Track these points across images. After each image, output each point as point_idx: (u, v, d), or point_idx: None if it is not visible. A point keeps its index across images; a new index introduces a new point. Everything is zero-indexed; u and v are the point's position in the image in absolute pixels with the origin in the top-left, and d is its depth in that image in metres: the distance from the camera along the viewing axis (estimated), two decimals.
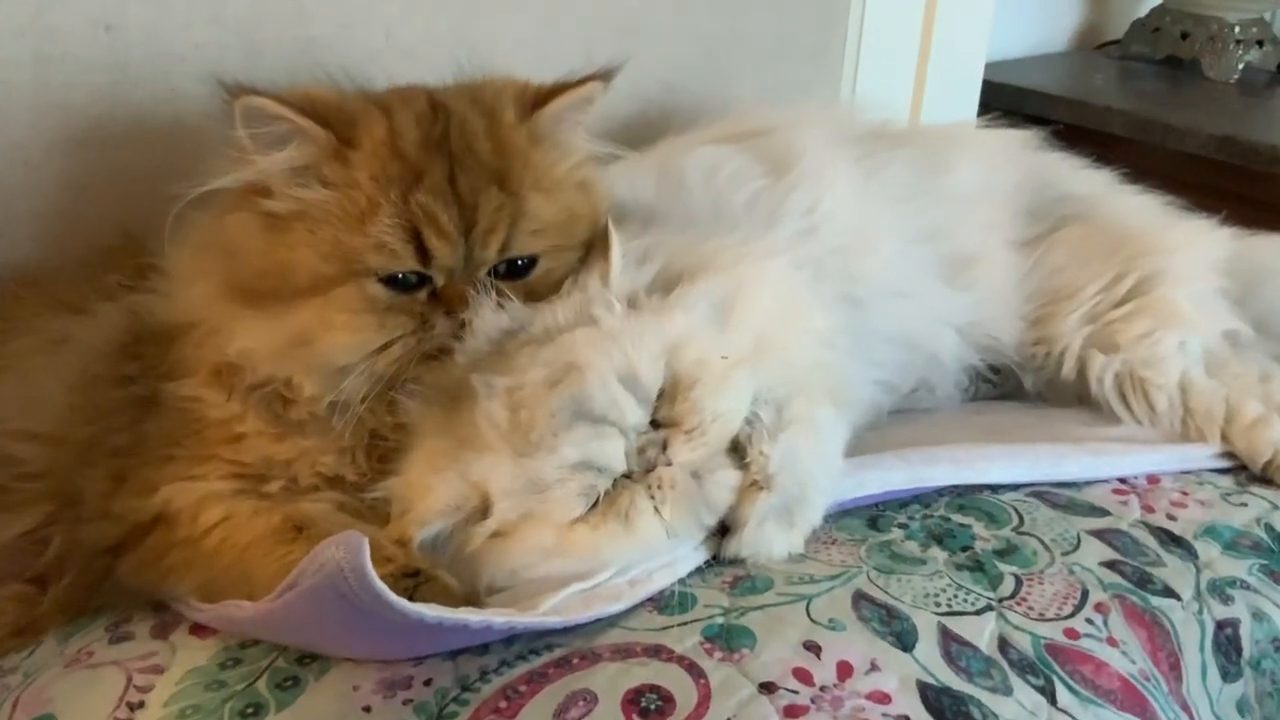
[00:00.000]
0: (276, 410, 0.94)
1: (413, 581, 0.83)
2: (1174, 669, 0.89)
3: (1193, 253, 1.24)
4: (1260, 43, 2.37)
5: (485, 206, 0.91)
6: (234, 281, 0.92)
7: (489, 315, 0.92)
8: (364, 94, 0.97)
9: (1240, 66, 2.35)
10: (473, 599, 0.86)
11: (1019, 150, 1.36)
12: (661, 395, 0.88)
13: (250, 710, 0.78)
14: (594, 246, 0.98)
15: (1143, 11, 2.51)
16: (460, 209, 0.91)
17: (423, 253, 0.90)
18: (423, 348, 0.92)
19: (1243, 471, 1.12)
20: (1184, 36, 2.41)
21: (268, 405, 0.94)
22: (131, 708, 0.81)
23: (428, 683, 0.79)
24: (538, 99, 0.97)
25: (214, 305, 0.93)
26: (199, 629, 0.88)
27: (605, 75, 0.98)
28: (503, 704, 0.76)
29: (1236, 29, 2.35)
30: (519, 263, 0.95)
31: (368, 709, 0.77)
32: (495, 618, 0.79)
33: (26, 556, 0.95)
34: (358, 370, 0.91)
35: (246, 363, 0.93)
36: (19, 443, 0.95)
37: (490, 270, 0.94)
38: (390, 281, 0.91)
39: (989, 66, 2.11)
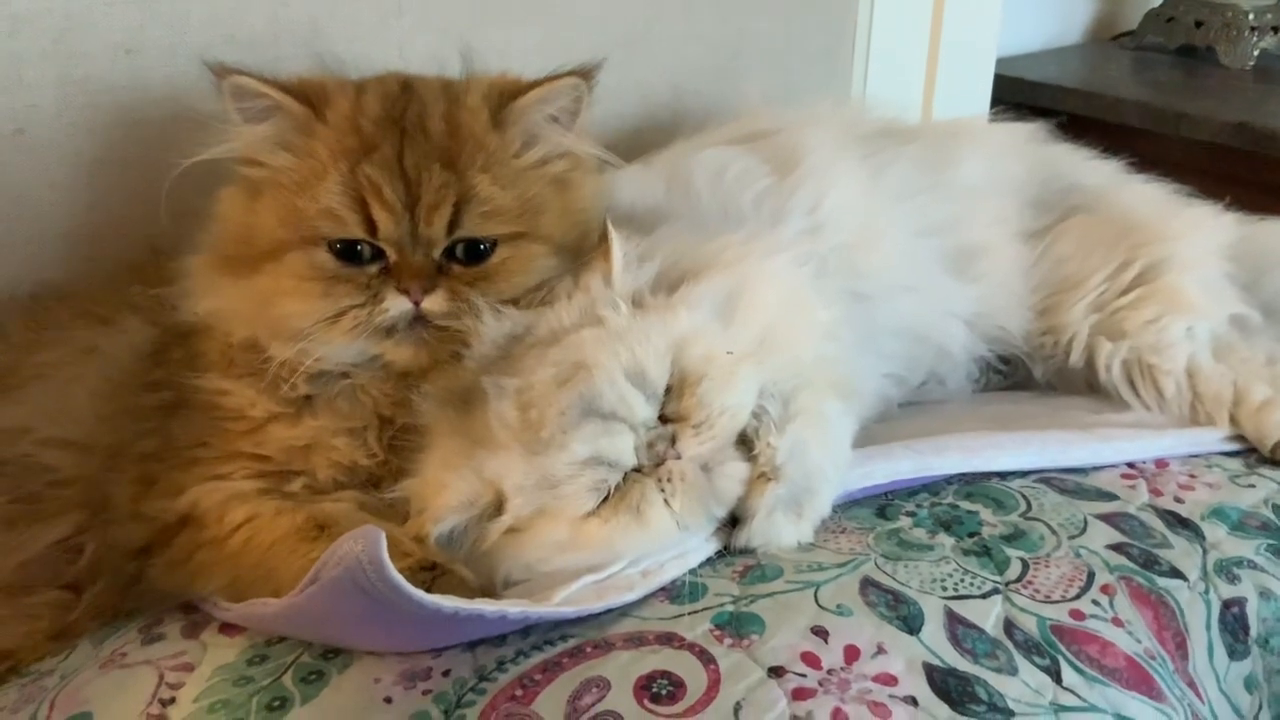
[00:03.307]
0: (281, 388, 0.97)
1: (430, 575, 0.86)
2: (1180, 647, 0.91)
3: (1198, 238, 1.25)
4: (1275, 29, 2.36)
5: (428, 183, 0.94)
6: (218, 250, 0.99)
7: (491, 322, 0.94)
8: (352, 78, 1.03)
9: (1255, 53, 2.34)
10: (489, 593, 0.88)
11: (1026, 143, 1.37)
12: (669, 391, 0.90)
13: (277, 704, 0.81)
14: (593, 248, 0.99)
15: (1156, 1, 2.50)
16: (405, 184, 0.94)
17: (370, 224, 0.94)
18: (375, 322, 0.95)
19: (1252, 454, 1.13)
20: (1198, 25, 2.41)
21: (274, 385, 0.97)
22: (164, 704, 0.83)
23: (446, 673, 0.81)
24: (513, 90, 1.00)
25: (200, 274, 1.00)
26: (228, 628, 0.90)
27: (584, 72, 1.01)
28: (519, 692, 0.79)
29: (1251, 15, 2.34)
30: (479, 247, 0.97)
31: (389, 700, 0.80)
32: (510, 608, 0.81)
33: (61, 564, 0.98)
34: (314, 337, 0.95)
35: (216, 322, 0.99)
36: (50, 450, 0.98)
37: (446, 252, 0.96)
38: (342, 254, 0.95)
39: (1003, 61, 2.12)
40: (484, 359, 0.93)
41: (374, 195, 0.93)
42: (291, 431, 0.97)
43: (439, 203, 0.94)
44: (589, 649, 0.82)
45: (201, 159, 0.99)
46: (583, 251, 1.01)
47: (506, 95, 1.00)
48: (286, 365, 0.96)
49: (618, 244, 0.96)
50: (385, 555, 0.75)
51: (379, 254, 0.96)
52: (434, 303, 0.95)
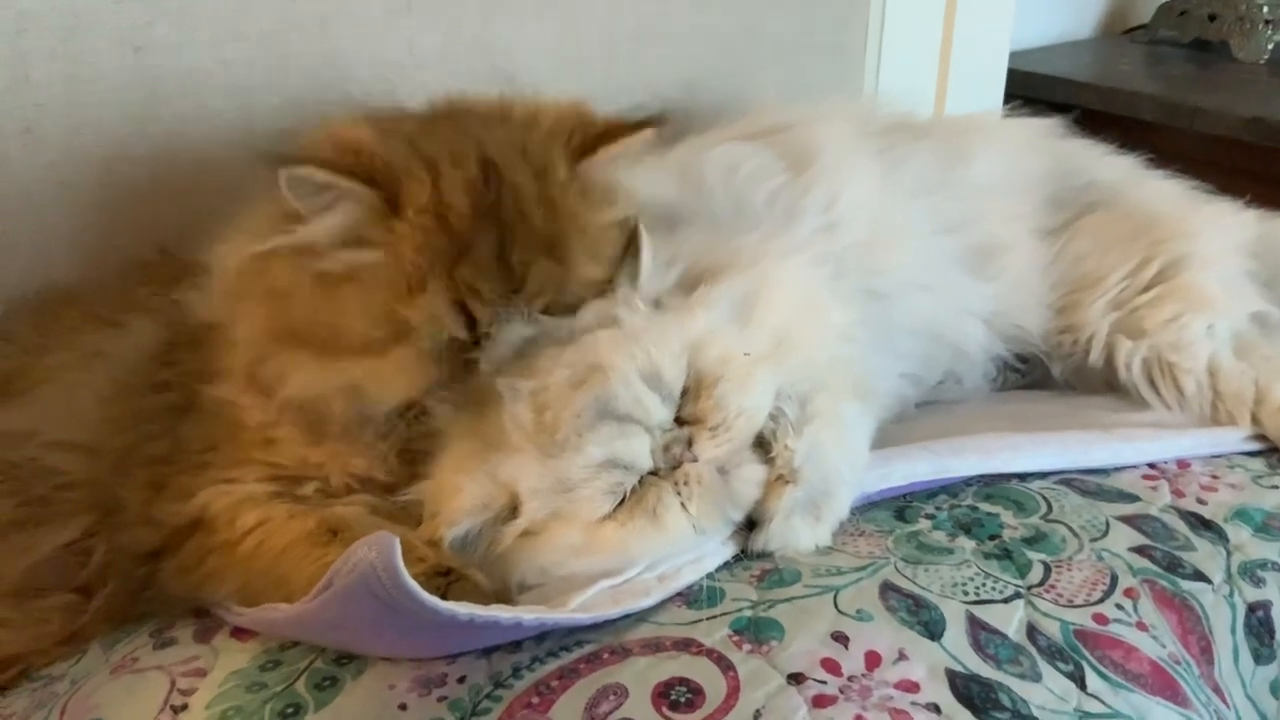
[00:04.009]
0: (310, 421, 0.95)
1: (445, 580, 0.85)
2: (1205, 652, 0.89)
3: (1219, 235, 1.23)
4: None
5: (534, 277, 0.91)
6: (282, 323, 0.92)
7: (516, 327, 0.93)
8: (409, 139, 0.92)
9: (1270, 47, 2.32)
10: (504, 597, 0.87)
11: (1042, 139, 1.36)
12: (685, 393, 0.89)
13: (290, 710, 0.80)
14: (625, 248, 0.98)
15: None
16: (507, 278, 0.90)
17: (470, 320, 0.90)
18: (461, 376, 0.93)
19: (1274, 454, 1.11)
20: (1212, 19, 2.39)
21: (302, 415, 0.95)
22: (175, 710, 0.82)
23: (462, 680, 0.80)
24: (585, 146, 0.95)
25: (263, 342, 0.93)
26: (240, 633, 0.90)
27: (659, 121, 0.96)
28: (535, 699, 0.78)
29: (1265, 9, 2.33)
30: None
31: (404, 707, 0.79)
32: (526, 615, 0.80)
33: (70, 567, 0.97)
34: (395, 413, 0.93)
35: (295, 399, 0.93)
36: (57, 454, 0.97)
37: None
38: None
39: (1016, 56, 2.11)
40: (500, 359, 0.91)
41: (473, 297, 0.89)
42: (309, 450, 0.95)
43: (542, 291, 0.92)
44: (606, 655, 0.81)
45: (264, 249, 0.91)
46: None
47: (586, 148, 0.95)
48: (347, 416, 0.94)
49: (648, 248, 0.95)
50: (399, 561, 0.74)
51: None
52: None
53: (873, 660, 0.80)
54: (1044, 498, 1.01)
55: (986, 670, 0.80)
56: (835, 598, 0.86)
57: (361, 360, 0.90)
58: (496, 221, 0.90)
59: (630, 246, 0.96)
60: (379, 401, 0.92)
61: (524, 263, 0.90)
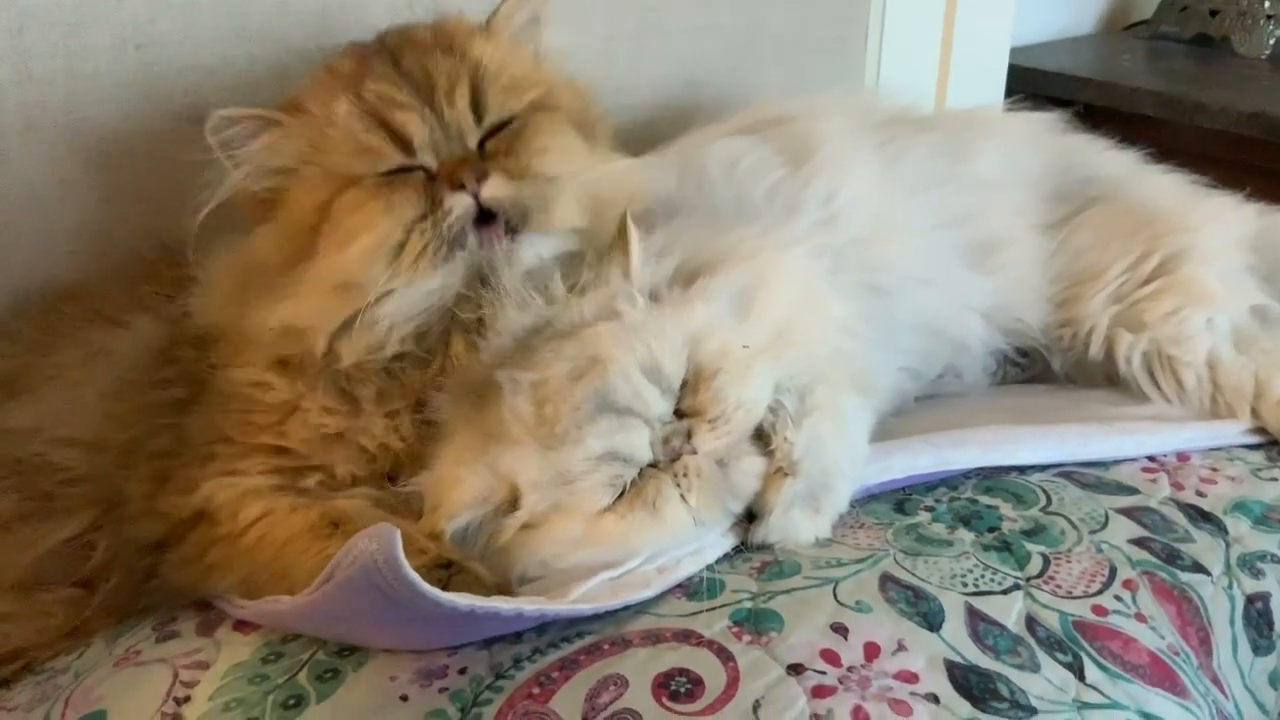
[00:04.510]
0: (342, 385, 0.96)
1: (446, 572, 0.85)
2: (1204, 643, 0.90)
3: (1218, 229, 1.23)
4: None
5: (436, 70, 0.93)
6: (264, 284, 0.95)
7: (513, 313, 0.93)
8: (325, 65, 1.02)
9: (1271, 42, 2.32)
10: (505, 589, 0.87)
11: (1043, 133, 1.35)
12: (685, 386, 0.89)
13: (292, 702, 0.80)
14: (613, 242, 0.98)
15: None
16: (414, 83, 0.93)
17: (400, 141, 0.92)
18: (442, 229, 0.92)
19: (1274, 447, 1.11)
20: (1213, 14, 2.39)
21: (334, 382, 0.96)
22: (178, 702, 0.83)
23: (463, 671, 0.81)
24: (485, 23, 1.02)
25: (250, 317, 0.96)
26: (242, 625, 0.90)
27: None
28: (536, 690, 0.78)
29: (1267, 4, 2.33)
30: (509, 125, 0.96)
31: (405, 698, 0.79)
32: (526, 606, 0.81)
33: (74, 561, 0.97)
34: (392, 280, 0.92)
35: (295, 334, 0.95)
36: (61, 449, 0.98)
37: (480, 144, 0.95)
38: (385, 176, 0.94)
39: (1017, 51, 2.11)
40: (500, 351, 0.92)
41: (389, 105, 0.92)
42: (328, 419, 0.95)
43: (454, 83, 0.93)
44: (606, 646, 0.81)
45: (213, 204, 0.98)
46: (595, 136, 1.02)
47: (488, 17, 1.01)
48: (365, 346, 0.95)
49: (636, 238, 0.95)
50: (400, 553, 0.74)
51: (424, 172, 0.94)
52: (492, 188, 0.93)
53: (872, 651, 0.80)
54: (1043, 490, 1.01)
55: (985, 661, 0.81)
56: (835, 589, 0.86)
57: (321, 233, 0.93)
58: (385, 52, 0.97)
59: (619, 240, 0.96)
60: (356, 266, 0.92)
61: (419, 63, 0.94)
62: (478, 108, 0.94)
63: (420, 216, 0.92)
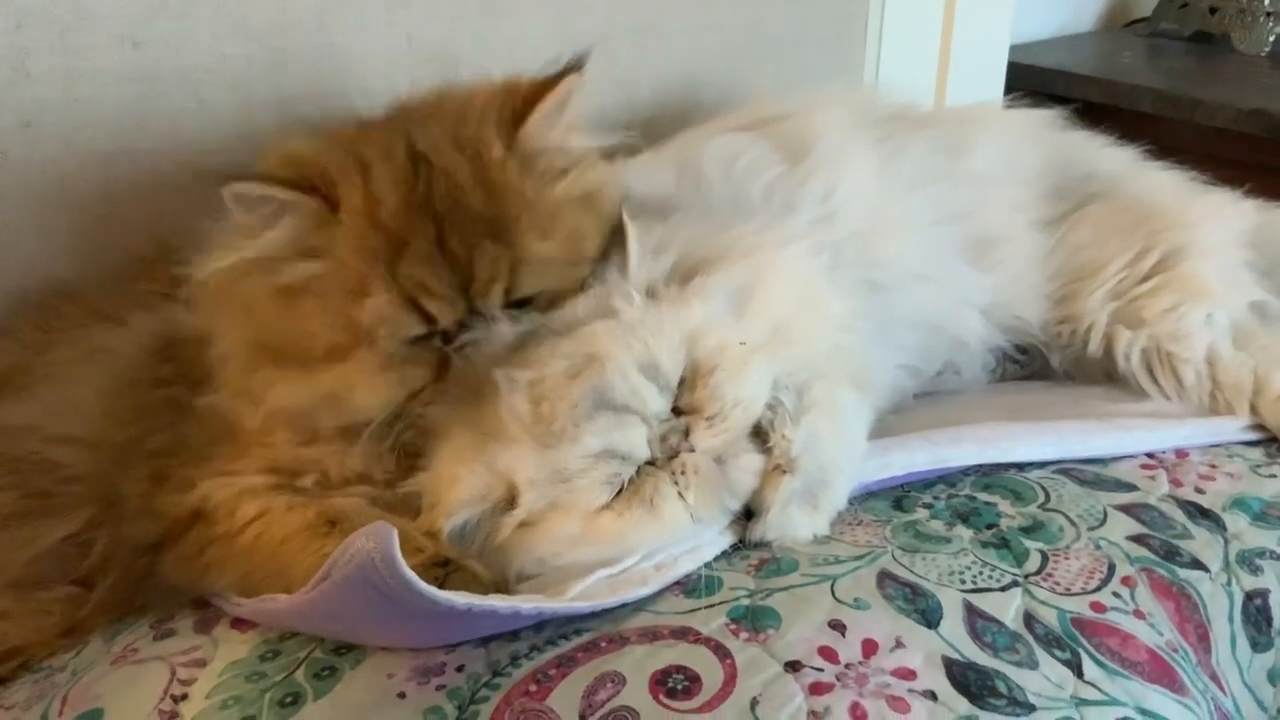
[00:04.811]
0: (302, 427, 0.95)
1: (443, 571, 0.85)
2: (1202, 640, 0.90)
3: (1217, 225, 1.23)
4: None
5: (481, 261, 0.90)
6: (257, 338, 0.92)
7: (505, 327, 0.93)
8: (346, 143, 0.94)
9: (1271, 39, 2.32)
10: (502, 588, 0.87)
11: (1042, 130, 1.35)
12: (682, 383, 0.89)
13: (289, 699, 0.80)
14: (611, 239, 0.98)
15: None
16: (454, 269, 0.89)
17: (426, 315, 0.90)
18: (441, 384, 0.93)
19: (1273, 443, 1.11)
20: (1212, 11, 2.39)
21: (294, 424, 0.95)
22: (176, 700, 0.83)
23: (460, 668, 0.81)
24: (516, 115, 0.94)
25: (243, 357, 0.94)
26: (240, 623, 0.90)
27: (577, 66, 0.95)
28: (533, 687, 0.78)
29: (1266, 1, 2.33)
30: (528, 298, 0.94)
31: (402, 695, 0.79)
32: (524, 604, 0.81)
33: (72, 559, 0.97)
34: (387, 420, 0.92)
35: (280, 419, 0.94)
36: (59, 448, 0.98)
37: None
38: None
39: (1016, 49, 2.11)
40: (497, 353, 0.92)
41: (423, 293, 0.89)
42: (306, 450, 0.95)
43: (494, 278, 0.90)
44: (603, 644, 0.81)
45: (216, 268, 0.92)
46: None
47: (515, 120, 0.94)
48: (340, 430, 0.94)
49: (634, 236, 0.95)
50: (397, 552, 0.74)
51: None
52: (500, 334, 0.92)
53: (870, 648, 0.80)
54: (1042, 487, 1.01)
55: (983, 658, 0.81)
56: (833, 586, 0.86)
57: (332, 368, 0.91)
58: (431, 212, 0.90)
59: (617, 237, 0.96)
60: (360, 410, 0.92)
61: (466, 247, 0.89)
62: (509, 294, 0.92)
63: (430, 381, 0.92)
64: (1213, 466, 1.06)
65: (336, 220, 0.89)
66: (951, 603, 0.85)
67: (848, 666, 0.79)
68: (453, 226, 0.90)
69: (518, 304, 0.94)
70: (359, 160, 0.91)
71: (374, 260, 0.88)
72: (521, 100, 0.95)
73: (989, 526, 0.95)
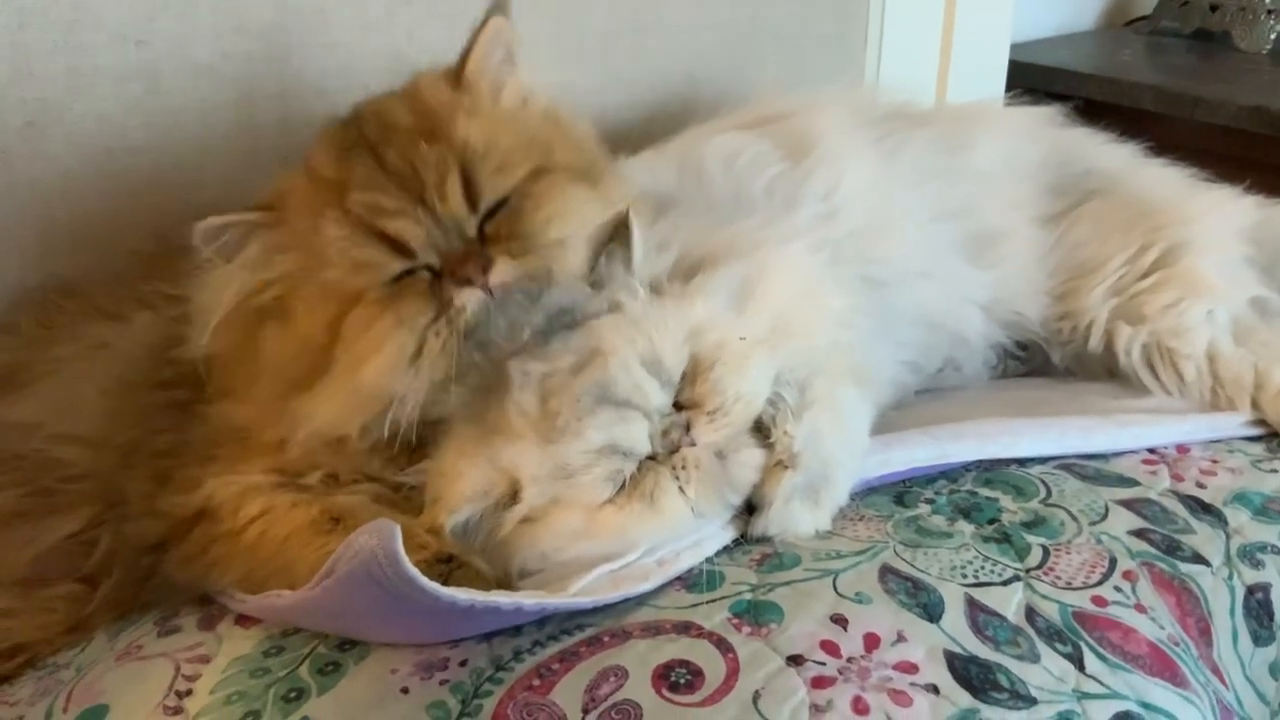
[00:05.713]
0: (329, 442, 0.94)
1: (446, 567, 0.85)
2: (1204, 634, 0.90)
3: (1217, 221, 1.23)
4: None
5: (423, 164, 0.87)
6: (276, 374, 0.92)
7: (518, 311, 0.91)
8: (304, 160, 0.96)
9: (1272, 37, 2.31)
10: (505, 583, 0.87)
11: (1042, 127, 1.35)
12: (684, 378, 0.90)
13: (293, 695, 0.81)
14: (615, 234, 0.98)
15: None
16: (401, 183, 0.87)
17: (397, 246, 0.87)
18: (459, 326, 0.88)
19: (1274, 439, 1.11)
20: (1213, 9, 2.39)
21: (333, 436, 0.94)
22: (180, 696, 0.83)
23: (463, 664, 0.81)
24: (459, 65, 0.95)
25: (271, 401, 0.93)
26: (244, 619, 0.90)
27: (501, 9, 0.95)
28: (536, 682, 0.78)
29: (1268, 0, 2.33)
30: (507, 201, 0.90)
31: (406, 690, 0.79)
32: (526, 600, 0.81)
33: (76, 557, 0.98)
34: (411, 390, 0.89)
35: (319, 438, 0.93)
36: (62, 446, 0.98)
37: (479, 227, 0.89)
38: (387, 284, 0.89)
39: (1017, 47, 2.11)
40: (516, 345, 0.90)
41: (379, 214, 0.87)
42: (322, 458, 0.94)
43: (444, 174, 0.87)
44: (606, 638, 0.81)
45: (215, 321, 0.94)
46: (601, 182, 0.96)
47: (460, 65, 0.94)
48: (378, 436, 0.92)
49: (638, 231, 0.96)
50: (400, 549, 0.74)
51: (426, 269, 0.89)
52: (500, 274, 0.88)
53: (872, 642, 0.81)
54: (1043, 482, 1.01)
55: (985, 652, 0.81)
56: (834, 581, 0.86)
57: (334, 353, 0.89)
58: (366, 145, 0.90)
59: (620, 233, 0.96)
60: (375, 383, 0.88)
61: (405, 158, 0.88)
62: (471, 195, 0.89)
63: (433, 319, 0.88)
64: (1214, 462, 1.06)
65: (292, 210, 0.90)
66: (953, 597, 0.85)
67: (850, 660, 0.79)
68: (388, 144, 0.89)
69: (491, 213, 0.90)
70: (305, 162, 0.94)
71: (322, 207, 0.88)
72: (460, 57, 0.96)
73: (990, 521, 0.95)
